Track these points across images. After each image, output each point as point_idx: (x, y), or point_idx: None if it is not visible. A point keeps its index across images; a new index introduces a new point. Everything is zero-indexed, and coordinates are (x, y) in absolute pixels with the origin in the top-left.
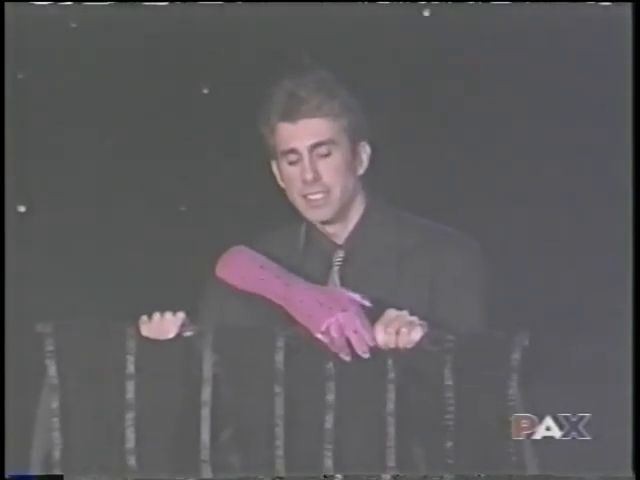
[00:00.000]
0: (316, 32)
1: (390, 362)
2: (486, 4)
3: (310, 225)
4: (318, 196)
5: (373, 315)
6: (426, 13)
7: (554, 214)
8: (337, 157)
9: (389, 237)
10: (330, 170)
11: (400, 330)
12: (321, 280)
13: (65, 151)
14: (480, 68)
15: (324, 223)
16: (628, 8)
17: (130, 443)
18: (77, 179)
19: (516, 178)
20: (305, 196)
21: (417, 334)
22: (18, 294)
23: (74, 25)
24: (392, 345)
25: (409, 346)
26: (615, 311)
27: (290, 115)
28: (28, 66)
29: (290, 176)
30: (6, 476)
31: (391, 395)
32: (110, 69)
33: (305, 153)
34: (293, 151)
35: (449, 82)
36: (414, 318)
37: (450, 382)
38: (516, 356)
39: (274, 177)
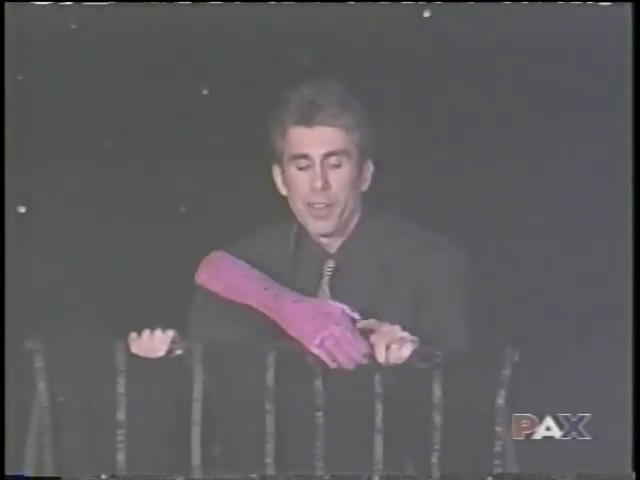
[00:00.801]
0: (316, 32)
1: (378, 378)
2: (486, 4)
3: (301, 231)
4: (322, 205)
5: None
6: (426, 14)
7: (554, 214)
8: (346, 169)
9: (379, 249)
10: (339, 181)
11: (390, 346)
12: (311, 288)
13: (65, 151)
14: (480, 68)
15: (324, 236)
16: (628, 8)
17: (121, 459)
18: (77, 179)
19: (516, 178)
20: (310, 204)
21: (407, 350)
22: (17, 294)
23: (74, 26)
24: (381, 359)
25: (399, 362)
26: (615, 311)
27: (307, 121)
28: (28, 67)
29: (297, 181)
30: (6, 473)
31: (379, 412)
32: (110, 69)
33: (317, 161)
34: (305, 156)
35: (449, 82)
36: (405, 334)
37: (439, 399)
38: (506, 372)
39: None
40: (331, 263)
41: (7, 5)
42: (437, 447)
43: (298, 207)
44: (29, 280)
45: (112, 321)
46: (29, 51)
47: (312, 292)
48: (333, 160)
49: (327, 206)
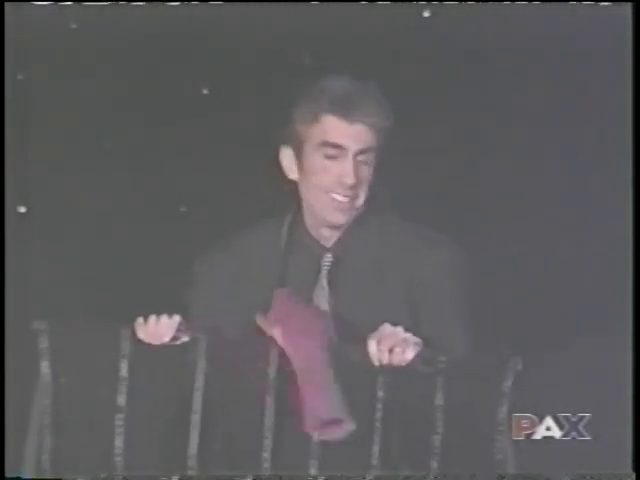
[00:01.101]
0: (316, 32)
1: (380, 380)
2: (486, 4)
3: (294, 225)
4: (346, 199)
5: (362, 324)
6: (426, 13)
7: (554, 214)
8: (370, 167)
9: (376, 245)
10: (364, 178)
11: (394, 349)
12: (308, 282)
13: (65, 151)
14: (480, 68)
15: (334, 227)
16: (628, 8)
17: (119, 444)
18: (77, 179)
19: (516, 178)
20: (331, 194)
21: (410, 354)
22: (17, 294)
23: (74, 25)
24: (385, 362)
25: (402, 364)
26: (615, 311)
27: (347, 114)
28: (28, 67)
29: (322, 169)
30: (6, 474)
31: (380, 413)
32: (110, 69)
33: (351, 156)
34: (339, 147)
35: (448, 82)
36: (409, 335)
37: (440, 403)
38: (508, 382)
39: (274, 177)
40: (329, 256)
41: (7, 5)
42: (437, 451)
43: (315, 194)
44: (29, 279)
45: (112, 317)
46: (29, 51)
47: (310, 285)
48: (363, 157)
49: (349, 200)
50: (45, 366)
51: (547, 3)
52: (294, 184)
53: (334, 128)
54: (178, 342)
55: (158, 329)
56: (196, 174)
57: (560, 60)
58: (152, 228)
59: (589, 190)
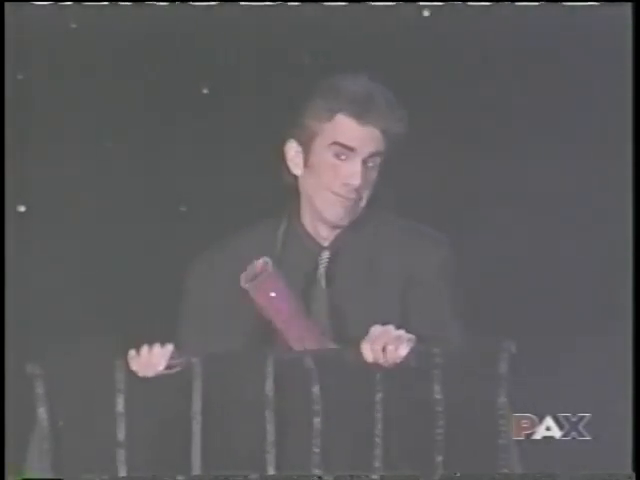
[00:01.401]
0: (316, 32)
1: (378, 377)
2: (486, 4)
3: (292, 223)
4: (350, 200)
5: (360, 320)
6: (426, 13)
7: (554, 214)
8: (377, 170)
9: (372, 242)
10: (370, 181)
11: (387, 347)
12: (306, 280)
13: (65, 151)
14: (480, 68)
15: (334, 226)
16: (628, 8)
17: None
18: (77, 179)
19: (516, 178)
20: (336, 193)
21: (404, 350)
22: (17, 294)
23: (74, 25)
24: (380, 362)
25: (397, 361)
26: (615, 311)
27: (363, 116)
28: (28, 66)
29: (330, 169)
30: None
31: (379, 414)
32: (110, 69)
33: (361, 158)
34: (350, 149)
35: (448, 82)
36: (401, 332)
37: (439, 396)
38: (504, 364)
39: (274, 176)
40: (326, 253)
41: (7, 5)
42: (439, 445)
43: (319, 191)
44: (29, 279)
45: (112, 317)
46: (29, 51)
47: (307, 283)
48: (372, 161)
49: (352, 203)
50: (42, 411)
51: (547, 3)
52: (294, 180)
53: (348, 129)
54: (172, 371)
55: (151, 359)
56: (196, 174)
57: (560, 60)
58: (152, 228)
59: (589, 190)
